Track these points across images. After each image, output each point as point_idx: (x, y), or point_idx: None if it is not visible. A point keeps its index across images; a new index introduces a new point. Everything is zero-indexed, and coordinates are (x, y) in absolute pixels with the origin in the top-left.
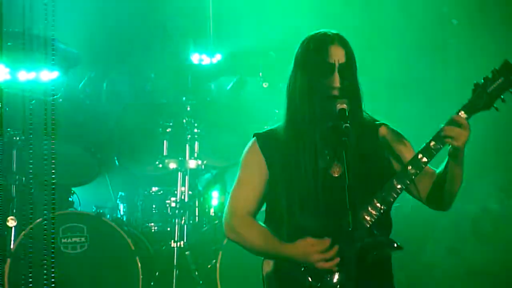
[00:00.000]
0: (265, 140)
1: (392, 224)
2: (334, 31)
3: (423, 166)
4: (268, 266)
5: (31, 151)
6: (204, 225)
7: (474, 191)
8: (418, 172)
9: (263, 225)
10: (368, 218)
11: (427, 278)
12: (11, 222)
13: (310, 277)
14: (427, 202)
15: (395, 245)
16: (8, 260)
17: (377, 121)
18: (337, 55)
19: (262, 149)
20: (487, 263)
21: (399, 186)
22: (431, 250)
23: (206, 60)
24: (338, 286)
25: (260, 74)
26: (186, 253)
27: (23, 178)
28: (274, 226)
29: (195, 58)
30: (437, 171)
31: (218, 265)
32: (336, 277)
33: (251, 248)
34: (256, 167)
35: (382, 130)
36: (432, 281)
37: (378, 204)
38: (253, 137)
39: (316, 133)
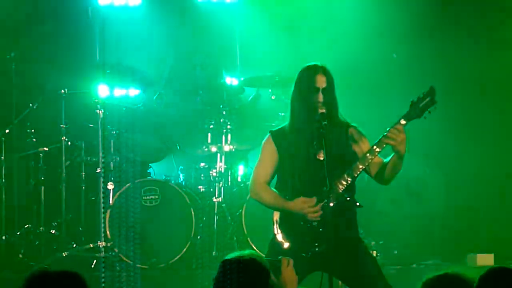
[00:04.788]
0: (276, 135)
1: (355, 190)
2: (320, 64)
3: (376, 154)
4: (276, 215)
5: (122, 140)
6: (234, 188)
7: (407, 163)
8: (373, 157)
9: (274, 189)
10: (340, 186)
11: (378, 220)
12: (110, 186)
13: (303, 222)
14: (375, 179)
15: (357, 204)
16: (109, 211)
17: (349, 123)
18: (321, 82)
19: (274, 141)
20: (416, 211)
21: (360, 167)
22: (380, 203)
23: (234, 81)
24: (320, 228)
25: (270, 90)
26: (223, 205)
27: (118, 157)
28: (281, 190)
29: (227, 80)
30: (385, 160)
31: (243, 213)
32: (318, 222)
33: (265, 204)
34: (270, 153)
35: (351, 130)
36: (381, 223)
37: (347, 178)
38: (269, 133)
39: (308, 130)
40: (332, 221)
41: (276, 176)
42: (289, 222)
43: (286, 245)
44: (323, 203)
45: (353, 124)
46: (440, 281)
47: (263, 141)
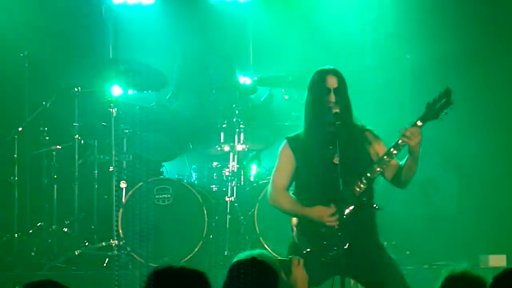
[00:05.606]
0: (292, 141)
1: (373, 193)
2: (331, 67)
3: (394, 156)
4: (295, 219)
5: (135, 139)
6: (247, 187)
7: (420, 163)
8: (390, 160)
9: (293, 195)
10: (358, 190)
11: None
12: (123, 184)
13: (321, 227)
14: (392, 182)
15: (375, 206)
16: (121, 209)
17: (364, 126)
18: (332, 82)
19: (291, 147)
20: (428, 211)
21: (378, 169)
22: (393, 203)
23: (248, 81)
24: (338, 232)
25: (283, 90)
26: (235, 204)
27: (131, 156)
28: (300, 195)
29: (241, 79)
30: (401, 163)
31: (256, 212)
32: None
33: (284, 211)
34: (287, 159)
35: (367, 133)
36: (394, 223)
37: (365, 181)
38: (285, 139)
39: (322, 134)
40: (351, 225)
41: (294, 181)
42: (307, 226)
43: (305, 249)
44: (340, 208)
45: (369, 128)
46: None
47: (280, 148)
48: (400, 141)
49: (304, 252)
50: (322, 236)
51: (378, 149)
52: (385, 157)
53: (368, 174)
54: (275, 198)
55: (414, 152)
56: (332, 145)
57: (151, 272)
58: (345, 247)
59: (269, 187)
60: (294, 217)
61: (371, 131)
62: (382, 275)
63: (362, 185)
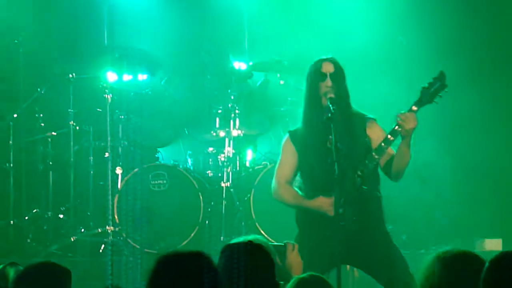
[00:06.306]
0: (294, 135)
1: (379, 180)
2: (329, 56)
3: (391, 142)
4: (299, 211)
5: (130, 125)
6: (242, 172)
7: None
8: (387, 147)
9: (296, 189)
10: (358, 178)
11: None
12: (118, 170)
13: (323, 217)
14: (384, 171)
15: (378, 193)
16: (117, 195)
17: (366, 115)
18: (327, 68)
19: (292, 141)
20: (424, 196)
21: (376, 156)
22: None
23: (243, 66)
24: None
25: (278, 75)
26: (231, 190)
27: (126, 142)
28: (304, 187)
29: (236, 65)
30: (395, 152)
31: (251, 198)
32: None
33: (287, 204)
34: (289, 153)
35: (369, 123)
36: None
37: (364, 168)
38: (287, 133)
39: (320, 123)
40: (352, 213)
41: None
42: (310, 218)
43: (309, 240)
44: (341, 197)
45: (371, 116)
46: (458, 258)
47: (282, 142)
48: (396, 126)
49: (307, 243)
50: (325, 227)
51: (378, 137)
52: (382, 144)
53: (367, 162)
54: (278, 193)
55: (407, 137)
56: (330, 132)
57: (158, 258)
58: (347, 236)
59: (273, 181)
60: (297, 209)
61: (374, 120)
62: (386, 264)
63: (361, 173)
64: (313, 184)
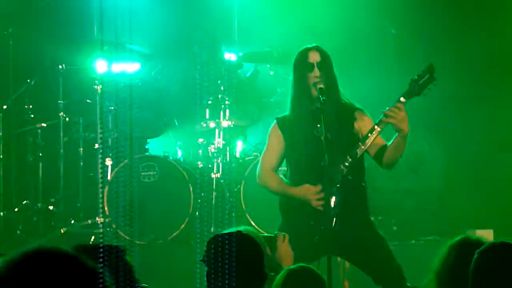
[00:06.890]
0: (282, 121)
1: (364, 171)
2: (313, 44)
3: (377, 133)
4: (283, 199)
5: (120, 116)
6: (233, 163)
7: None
8: (374, 137)
9: (282, 176)
10: (343, 168)
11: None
12: (108, 162)
13: (307, 206)
14: (376, 161)
15: (363, 184)
16: (107, 187)
17: (354, 105)
18: (314, 57)
19: (280, 128)
20: (415, 186)
21: (362, 147)
22: (379, 178)
23: (233, 57)
24: (325, 210)
25: (268, 66)
26: (221, 181)
27: (116, 133)
28: (290, 175)
29: (226, 55)
30: (388, 143)
31: (242, 188)
32: (323, 205)
33: (271, 191)
34: (276, 139)
35: (357, 113)
36: (380, 199)
37: (349, 158)
38: (275, 119)
39: (309, 112)
40: (337, 203)
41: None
42: (295, 206)
43: (293, 229)
44: (326, 186)
45: (359, 106)
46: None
47: (270, 128)
48: (383, 117)
49: (292, 232)
50: (309, 216)
51: (367, 128)
52: (369, 134)
53: (353, 152)
54: (263, 179)
55: (402, 130)
56: (318, 122)
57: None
58: (331, 226)
59: (258, 167)
60: (282, 196)
61: (361, 110)
62: (371, 254)
63: (347, 163)
64: (299, 172)
